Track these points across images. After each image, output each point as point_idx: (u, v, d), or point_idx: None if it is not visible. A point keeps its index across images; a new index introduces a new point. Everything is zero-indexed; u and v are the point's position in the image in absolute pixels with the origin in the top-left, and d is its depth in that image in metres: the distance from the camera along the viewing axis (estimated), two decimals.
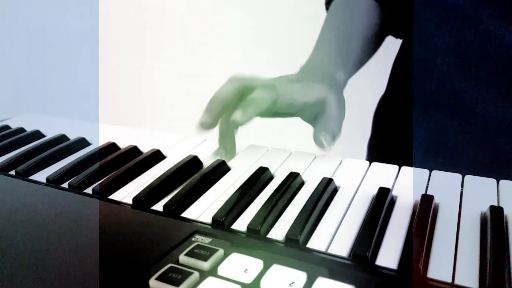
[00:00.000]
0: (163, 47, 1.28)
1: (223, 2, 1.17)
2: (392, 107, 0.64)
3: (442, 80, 0.54)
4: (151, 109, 1.31)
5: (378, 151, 0.67)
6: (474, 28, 0.51)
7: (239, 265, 0.27)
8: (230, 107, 0.42)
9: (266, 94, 0.41)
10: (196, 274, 0.26)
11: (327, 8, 0.67)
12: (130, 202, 0.37)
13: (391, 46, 0.65)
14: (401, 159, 0.55)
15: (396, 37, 0.66)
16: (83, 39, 1.30)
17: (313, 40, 0.59)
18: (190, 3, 1.21)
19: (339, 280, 0.25)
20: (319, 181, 0.38)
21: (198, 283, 0.25)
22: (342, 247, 0.31)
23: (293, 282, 0.25)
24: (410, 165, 0.41)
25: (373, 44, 0.63)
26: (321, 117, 0.45)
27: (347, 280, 0.25)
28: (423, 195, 0.35)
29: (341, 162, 0.42)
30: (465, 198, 0.35)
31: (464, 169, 0.53)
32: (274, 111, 0.43)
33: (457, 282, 0.27)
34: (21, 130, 0.53)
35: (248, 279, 0.26)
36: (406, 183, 0.38)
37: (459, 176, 0.38)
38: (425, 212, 0.32)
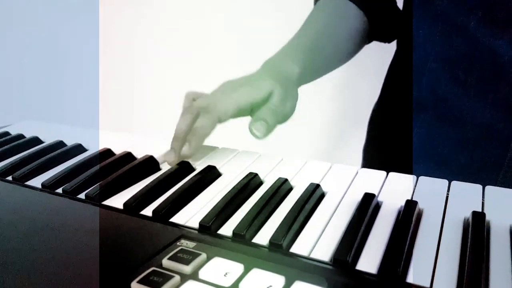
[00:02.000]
0: (162, 54, 1.29)
1: (219, 7, 1.19)
2: (386, 113, 0.65)
3: (432, 86, 0.55)
4: (148, 115, 1.32)
5: (372, 157, 0.67)
6: (462, 35, 0.52)
7: (220, 269, 0.28)
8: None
9: (206, 120, 0.45)
10: (177, 278, 0.27)
11: (315, 3, 0.67)
12: (121, 207, 0.38)
13: (386, 52, 0.66)
14: (395, 165, 0.56)
15: (384, 41, 0.67)
16: (83, 45, 1.32)
17: None
18: (189, 9, 1.23)
19: (317, 285, 0.26)
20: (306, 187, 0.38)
21: (178, 286, 0.26)
22: (324, 252, 0.31)
23: (271, 286, 0.26)
24: (407, 171, 0.41)
25: (350, 47, 0.63)
26: (264, 106, 0.47)
27: (325, 284, 0.26)
28: (407, 200, 0.35)
29: (330, 168, 0.43)
30: (450, 204, 0.35)
31: (455, 174, 0.53)
32: (226, 120, 0.46)
33: (435, 287, 0.27)
34: (20, 136, 0.54)
35: (227, 282, 0.26)
36: (393, 189, 0.38)
37: (445, 182, 0.38)
38: (408, 218, 0.33)
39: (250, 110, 0.48)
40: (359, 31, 0.62)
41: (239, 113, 0.47)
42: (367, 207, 0.34)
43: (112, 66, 1.34)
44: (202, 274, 0.27)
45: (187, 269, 0.28)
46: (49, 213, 0.38)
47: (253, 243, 0.32)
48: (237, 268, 0.28)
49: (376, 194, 0.37)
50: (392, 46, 0.66)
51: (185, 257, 0.29)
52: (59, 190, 0.42)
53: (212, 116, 0.45)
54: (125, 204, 0.38)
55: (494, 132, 0.52)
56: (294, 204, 0.36)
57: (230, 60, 1.17)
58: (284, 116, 0.49)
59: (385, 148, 0.65)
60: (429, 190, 0.37)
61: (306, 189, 0.38)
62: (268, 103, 0.48)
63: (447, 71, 0.54)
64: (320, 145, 1.09)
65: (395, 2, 0.65)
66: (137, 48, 1.30)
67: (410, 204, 0.34)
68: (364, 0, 0.62)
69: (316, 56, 0.57)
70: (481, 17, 0.51)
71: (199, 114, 0.47)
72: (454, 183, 0.38)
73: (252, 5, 1.14)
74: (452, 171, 0.55)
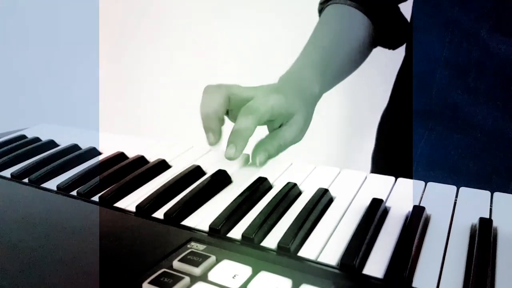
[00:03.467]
0: (170, 57, 1.31)
1: (222, 9, 1.20)
2: (395, 120, 0.65)
3: (442, 93, 0.55)
4: (161, 119, 1.34)
5: (381, 162, 0.67)
6: (472, 42, 0.52)
7: (229, 271, 0.28)
8: (223, 114, 0.46)
9: (250, 121, 0.44)
10: (187, 279, 0.27)
11: (320, 14, 0.68)
12: (134, 209, 0.39)
13: (395, 59, 0.66)
14: (403, 171, 0.56)
15: (389, 48, 0.67)
16: (88, 46, 1.35)
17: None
18: (194, 10, 1.24)
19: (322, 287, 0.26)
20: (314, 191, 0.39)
21: (188, 287, 0.27)
22: (332, 256, 0.32)
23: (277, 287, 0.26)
24: (415, 176, 0.42)
25: (359, 56, 0.64)
26: (280, 131, 0.48)
27: (326, 286, 0.26)
28: (414, 206, 0.35)
29: (339, 173, 0.43)
30: (457, 210, 0.36)
31: (465, 182, 0.53)
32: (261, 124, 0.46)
33: None
34: (37, 139, 0.56)
35: (236, 284, 0.27)
36: (401, 194, 0.39)
37: (453, 188, 0.39)
38: (415, 223, 0.33)
39: (276, 116, 0.47)
40: (367, 38, 0.63)
41: (267, 118, 0.46)
42: (375, 212, 0.35)
43: (120, 69, 1.36)
44: (211, 276, 0.28)
45: (197, 271, 0.28)
46: (63, 215, 0.39)
47: (262, 246, 0.33)
48: (245, 270, 0.28)
49: (384, 199, 0.37)
50: (401, 53, 0.66)
51: (195, 259, 0.29)
52: (74, 193, 0.43)
53: (255, 117, 0.44)
54: (137, 207, 0.39)
55: (505, 139, 0.52)
56: (303, 209, 0.36)
57: (231, 62, 1.19)
58: (292, 144, 0.50)
59: (393, 154, 0.65)
60: (437, 196, 0.38)
61: (315, 193, 0.38)
62: (281, 132, 0.48)
63: (457, 78, 0.54)
64: (329, 151, 1.09)
65: (399, 9, 0.65)
66: (153, 54, 1.33)
67: (418, 210, 0.35)
68: (370, 7, 0.63)
69: (330, 70, 0.57)
70: (492, 25, 0.51)
71: (229, 97, 0.46)
72: (462, 189, 0.38)
73: (258, 9, 1.15)
74: (462, 178, 0.55)
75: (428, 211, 0.35)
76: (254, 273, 0.28)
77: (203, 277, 0.28)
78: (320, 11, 0.68)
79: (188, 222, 0.37)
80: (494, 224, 0.33)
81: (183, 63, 1.29)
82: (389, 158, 0.67)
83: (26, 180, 0.46)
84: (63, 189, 0.44)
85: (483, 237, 0.31)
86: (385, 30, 0.65)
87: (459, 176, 0.54)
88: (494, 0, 0.50)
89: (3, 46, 1.22)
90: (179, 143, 0.52)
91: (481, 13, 0.52)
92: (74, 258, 0.32)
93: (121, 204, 0.40)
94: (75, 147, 0.52)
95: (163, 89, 1.33)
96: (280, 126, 0.50)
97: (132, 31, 1.33)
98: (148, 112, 1.35)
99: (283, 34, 1.10)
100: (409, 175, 0.43)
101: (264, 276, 0.27)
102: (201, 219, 0.37)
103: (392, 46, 0.69)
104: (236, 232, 0.35)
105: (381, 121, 0.68)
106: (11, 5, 1.22)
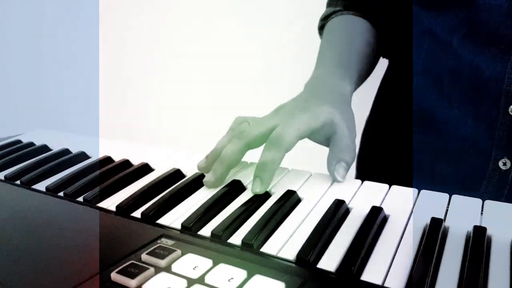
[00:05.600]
0: (170, 59, 1.34)
1: (225, 12, 1.23)
2: (378, 125, 0.67)
3: (420, 100, 0.57)
4: (150, 126, 1.38)
5: (366, 167, 0.70)
6: (446, 52, 0.54)
7: (191, 263, 0.31)
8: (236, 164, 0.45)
9: (275, 154, 0.42)
10: (151, 270, 0.30)
11: (320, 34, 0.71)
12: (114, 209, 0.42)
13: (378, 66, 0.68)
14: (388, 176, 0.58)
15: (384, 57, 0.70)
16: (86, 51, 1.39)
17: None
18: (195, 10, 1.27)
19: (273, 278, 0.29)
20: (284, 192, 0.41)
21: (151, 277, 0.29)
22: (292, 252, 0.34)
23: (232, 278, 0.29)
24: (400, 182, 0.43)
25: (370, 63, 0.66)
26: (332, 141, 0.45)
27: (278, 277, 0.29)
28: (373, 206, 0.38)
29: (332, 183, 0.44)
30: (449, 218, 0.36)
31: (440, 185, 0.55)
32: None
33: None
34: (31, 144, 0.59)
35: (195, 275, 0.29)
36: (398, 202, 0.39)
37: (446, 195, 0.39)
38: (371, 221, 0.35)
39: (310, 134, 0.45)
40: (375, 45, 0.65)
41: (301, 139, 0.44)
42: (335, 213, 0.37)
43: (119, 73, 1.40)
44: (174, 267, 0.30)
45: (162, 263, 0.31)
46: (50, 214, 0.42)
47: (228, 243, 0.35)
48: (206, 263, 0.31)
49: (347, 200, 0.40)
50: (385, 62, 0.69)
51: (161, 253, 0.32)
52: (61, 194, 0.46)
53: (281, 149, 0.42)
54: (117, 207, 0.41)
55: (476, 143, 0.54)
56: (269, 209, 0.39)
57: (233, 65, 1.21)
58: (353, 142, 0.47)
59: (378, 159, 0.67)
60: (429, 203, 0.38)
61: (282, 195, 0.41)
62: (337, 136, 0.45)
63: (433, 85, 0.56)
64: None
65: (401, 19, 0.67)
66: (148, 53, 1.36)
67: (376, 210, 0.37)
68: (374, 17, 0.65)
69: (352, 70, 0.58)
70: (464, 35, 0.53)
71: (247, 147, 0.44)
72: (454, 197, 0.39)
73: (263, 11, 1.18)
74: (438, 181, 0.57)
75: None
76: (214, 265, 0.30)
77: (167, 269, 0.30)
78: (322, 27, 0.70)
79: (163, 220, 0.40)
80: (488, 232, 0.33)
81: (182, 63, 1.32)
82: (373, 162, 0.69)
83: (18, 182, 0.49)
84: (52, 190, 0.46)
85: (477, 245, 0.31)
86: (385, 39, 0.67)
87: (434, 179, 0.57)
88: (465, 12, 0.53)
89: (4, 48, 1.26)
90: (163, 147, 0.55)
91: (453, 24, 0.54)
92: (55, 250, 0.35)
93: (103, 204, 0.43)
94: (65, 152, 0.55)
95: (162, 92, 1.37)
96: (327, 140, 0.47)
97: (132, 33, 1.36)
98: (142, 117, 1.39)
99: (286, 35, 1.12)
100: (394, 180, 0.44)
101: (222, 268, 0.30)
102: (175, 218, 0.40)
103: (388, 55, 0.70)
104: (207, 230, 0.37)
105: (365, 126, 0.70)
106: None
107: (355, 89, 0.59)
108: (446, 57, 0.55)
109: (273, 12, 1.15)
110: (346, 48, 0.61)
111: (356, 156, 0.71)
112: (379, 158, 0.68)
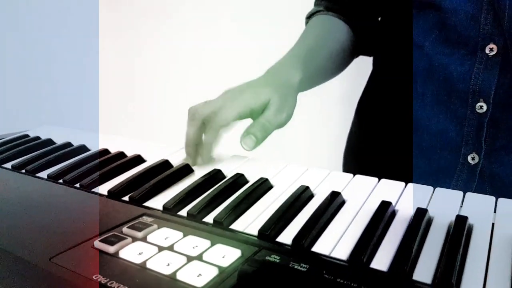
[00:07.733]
0: (170, 58, 1.39)
1: (225, 12, 1.27)
2: (361, 125, 0.71)
3: (397, 98, 0.61)
4: (150, 123, 1.43)
5: (352, 164, 0.74)
6: (420, 53, 0.58)
7: (164, 235, 0.35)
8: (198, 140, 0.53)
9: (209, 131, 0.51)
10: (129, 239, 0.35)
11: (306, 23, 0.75)
12: (106, 193, 0.46)
13: (366, 66, 0.72)
14: (372, 170, 0.62)
15: (368, 55, 0.74)
16: (87, 51, 1.45)
17: None
18: (195, 11, 1.32)
19: (233, 247, 0.33)
20: (257, 178, 0.45)
21: (127, 245, 0.34)
22: (255, 228, 0.38)
23: (197, 246, 0.33)
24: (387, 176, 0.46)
25: (340, 57, 0.70)
26: (258, 117, 0.52)
27: (237, 246, 0.33)
28: (417, 208, 0.38)
29: (352, 178, 0.46)
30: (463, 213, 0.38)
31: (414, 179, 0.59)
32: (228, 127, 0.52)
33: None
34: (37, 138, 0.64)
35: (166, 244, 0.34)
36: (411, 199, 0.41)
37: (460, 193, 0.41)
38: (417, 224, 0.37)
39: (250, 114, 0.52)
40: (347, 42, 0.70)
41: (239, 118, 0.52)
42: (383, 214, 0.38)
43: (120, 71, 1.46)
44: (149, 238, 0.35)
45: (139, 234, 0.35)
46: (50, 197, 0.47)
47: (202, 221, 0.40)
48: (177, 235, 0.35)
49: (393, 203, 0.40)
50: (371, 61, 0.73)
51: (140, 227, 0.36)
52: (61, 181, 0.51)
53: (214, 126, 0.50)
54: (109, 191, 0.46)
55: (447, 139, 0.57)
56: (242, 192, 0.43)
57: (232, 64, 1.25)
58: (277, 125, 0.53)
59: (360, 155, 0.71)
60: (442, 200, 0.40)
61: (256, 181, 0.45)
62: (262, 115, 0.52)
63: (408, 84, 0.60)
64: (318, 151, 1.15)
65: (378, 21, 0.72)
66: (148, 53, 1.41)
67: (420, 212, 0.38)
68: (350, 17, 0.70)
69: (313, 64, 0.63)
70: (435, 38, 0.57)
71: (203, 122, 0.52)
72: (468, 194, 0.41)
73: (258, 10, 1.22)
74: (414, 175, 0.61)
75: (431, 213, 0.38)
76: (184, 236, 0.35)
77: (143, 239, 0.35)
78: (309, 17, 0.75)
79: (149, 203, 0.44)
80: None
81: (182, 60, 1.37)
82: (357, 158, 0.73)
83: (23, 171, 0.54)
84: (53, 177, 0.52)
85: (458, 231, 0.33)
86: (365, 39, 0.72)
87: (409, 173, 0.60)
88: (437, 16, 0.57)
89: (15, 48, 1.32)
90: (156, 141, 0.59)
91: (426, 28, 0.58)
92: (52, 224, 0.39)
93: (98, 189, 0.48)
94: (67, 145, 0.61)
95: (163, 90, 1.42)
96: None
97: (132, 32, 1.42)
98: (145, 113, 1.44)
99: (286, 35, 1.16)
100: (380, 174, 0.47)
101: (190, 238, 0.34)
102: (159, 201, 0.44)
103: (371, 53, 0.75)
104: (185, 211, 0.42)
105: (350, 128, 0.74)
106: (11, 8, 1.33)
107: (312, 81, 0.64)
108: (420, 58, 0.59)
109: (273, 12, 1.20)
110: (313, 43, 0.66)
111: (344, 149, 0.76)
112: (363, 155, 0.71)
